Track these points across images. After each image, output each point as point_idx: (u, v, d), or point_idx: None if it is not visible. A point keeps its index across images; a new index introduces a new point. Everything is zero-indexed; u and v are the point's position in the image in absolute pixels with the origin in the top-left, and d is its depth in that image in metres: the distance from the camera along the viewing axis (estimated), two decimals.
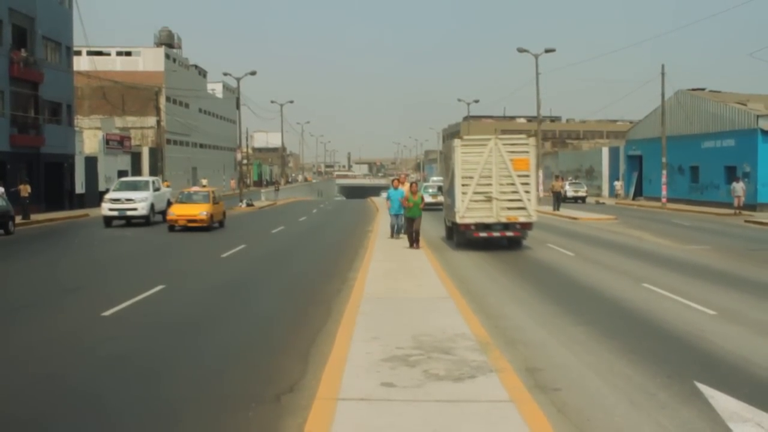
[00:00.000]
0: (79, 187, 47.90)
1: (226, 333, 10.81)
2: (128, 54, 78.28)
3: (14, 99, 40.21)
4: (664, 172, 47.37)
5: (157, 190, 35.27)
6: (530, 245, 23.35)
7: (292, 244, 25.52)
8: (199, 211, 29.86)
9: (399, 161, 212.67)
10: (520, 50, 47.23)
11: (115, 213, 32.77)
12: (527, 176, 21.34)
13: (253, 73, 58.24)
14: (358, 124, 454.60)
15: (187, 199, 31.59)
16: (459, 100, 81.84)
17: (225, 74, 63.99)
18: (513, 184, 21.16)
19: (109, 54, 76.62)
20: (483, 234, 21.39)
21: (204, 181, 79.70)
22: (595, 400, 7.51)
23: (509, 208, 21.21)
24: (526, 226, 21.54)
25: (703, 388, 7.67)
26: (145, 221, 33.21)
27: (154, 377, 8.46)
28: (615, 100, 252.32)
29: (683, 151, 49.32)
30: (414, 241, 20.92)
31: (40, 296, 14.41)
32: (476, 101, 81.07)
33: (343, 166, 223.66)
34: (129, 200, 32.89)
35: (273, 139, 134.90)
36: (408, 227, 21.49)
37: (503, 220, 21.21)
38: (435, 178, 50.35)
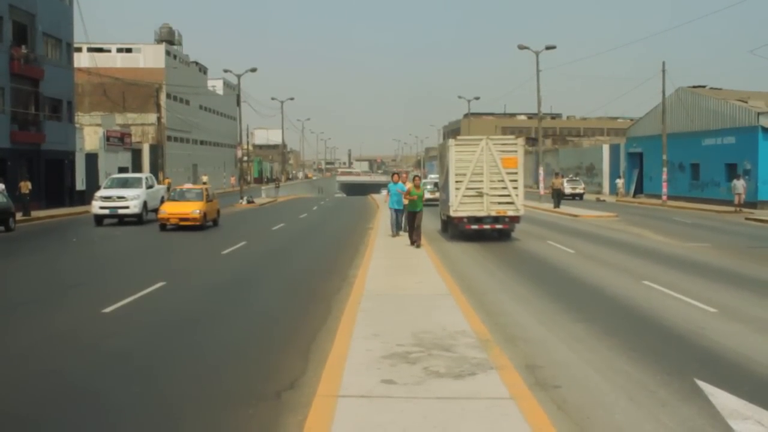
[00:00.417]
0: (80, 184, 47.92)
1: (226, 330, 10.81)
2: (129, 51, 78.29)
3: (14, 96, 40.20)
4: (665, 169, 47.36)
5: (150, 187, 34.20)
6: (530, 242, 23.42)
7: (292, 241, 25.52)
8: (192, 209, 28.61)
9: (399, 158, 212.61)
10: (521, 47, 47.13)
11: (106, 211, 31.66)
12: (515, 173, 23.09)
13: (253, 70, 58.09)
14: (359, 122, 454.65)
15: (180, 196, 30.20)
16: (459, 97, 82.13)
17: (225, 71, 64.24)
18: (502, 181, 22.93)
19: (109, 51, 76.63)
20: (474, 226, 23.13)
21: (204, 178, 79.77)
22: (595, 397, 7.52)
23: (499, 203, 23.04)
24: (514, 219, 23.40)
25: (703, 385, 7.67)
26: (137, 220, 32.08)
27: (154, 374, 8.47)
28: (616, 98, 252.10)
29: (684, 148, 49.29)
30: (415, 239, 20.72)
31: (40, 293, 14.41)
32: (477, 98, 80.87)
33: (344, 163, 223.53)
34: (121, 198, 31.76)
35: (273, 136, 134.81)
36: (410, 221, 21.36)
37: (493, 213, 23.01)
38: (432, 176, 50.58)
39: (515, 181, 23.06)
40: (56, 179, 44.30)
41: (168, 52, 78.21)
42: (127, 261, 20.19)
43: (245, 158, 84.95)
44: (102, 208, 31.69)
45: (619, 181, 59.30)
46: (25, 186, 35.62)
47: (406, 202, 21.95)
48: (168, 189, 37.50)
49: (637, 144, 57.95)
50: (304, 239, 26.26)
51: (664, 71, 47.00)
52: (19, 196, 34.48)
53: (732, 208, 38.94)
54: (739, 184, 39.54)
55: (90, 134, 53.10)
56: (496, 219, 23.10)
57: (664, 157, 47.42)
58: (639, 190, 57.18)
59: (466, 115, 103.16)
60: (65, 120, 46.20)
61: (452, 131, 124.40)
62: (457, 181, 22.97)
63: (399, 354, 8.33)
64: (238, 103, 62.83)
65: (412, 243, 20.74)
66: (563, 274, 16.54)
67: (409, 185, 22.86)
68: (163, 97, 69.22)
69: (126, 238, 26.58)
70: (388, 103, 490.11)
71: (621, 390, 7.72)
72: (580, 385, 7.92)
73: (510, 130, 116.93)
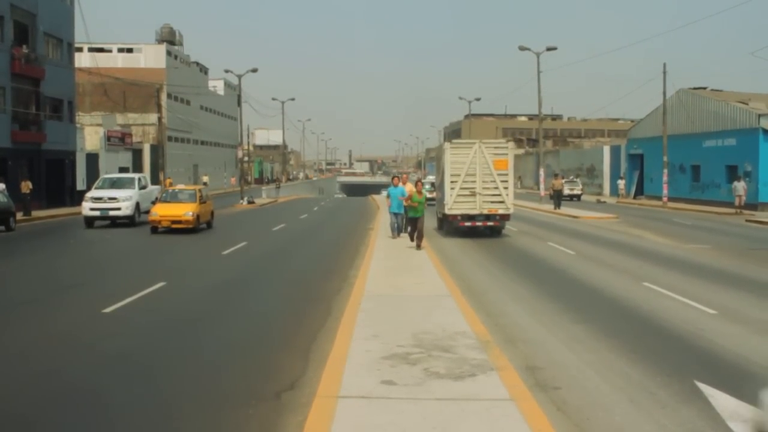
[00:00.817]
0: (80, 184, 47.90)
1: (226, 330, 10.81)
2: (130, 51, 78.29)
3: (15, 95, 40.20)
4: (666, 170, 47.34)
5: (143, 188, 32.86)
6: (531, 243, 23.46)
7: (293, 241, 25.52)
8: (185, 211, 27.21)
9: (400, 159, 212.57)
10: (522, 48, 47.15)
11: (97, 213, 30.29)
12: (506, 175, 24.86)
13: (254, 71, 58.09)
14: (360, 122, 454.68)
15: (172, 197, 28.73)
16: (460, 98, 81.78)
17: (226, 71, 64.16)
18: (494, 182, 24.65)
19: (110, 51, 76.61)
20: (467, 223, 24.98)
21: (205, 178, 79.86)
22: (595, 398, 7.52)
23: (490, 202, 24.76)
24: (504, 217, 25.13)
25: (703, 387, 7.67)
26: (129, 222, 30.74)
27: (154, 374, 8.47)
28: (616, 99, 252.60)
29: (684, 150, 49.28)
30: (417, 242, 20.39)
31: (40, 293, 14.41)
32: (478, 99, 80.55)
33: (344, 164, 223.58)
34: (112, 199, 30.45)
35: (274, 137, 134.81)
36: (411, 227, 21.20)
37: (485, 211, 24.76)
38: (430, 177, 51.18)
39: (506, 181, 24.79)
40: (57, 179, 44.30)
41: (169, 53, 78.21)
42: (127, 261, 20.19)
43: (246, 158, 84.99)
44: (92, 209, 30.44)
45: (621, 183, 59.32)
46: (26, 186, 35.63)
47: (406, 204, 21.81)
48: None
49: (638, 145, 57.94)
50: (304, 240, 26.26)
51: (665, 73, 47.04)
52: (20, 196, 34.49)
53: (732, 210, 38.93)
54: (740, 186, 39.53)
55: (91, 134, 53.12)
56: (487, 217, 24.84)
57: (665, 158, 47.41)
58: (639, 192, 57.17)
59: (466, 116, 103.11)
60: (66, 120, 46.20)
61: (453, 132, 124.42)
62: (452, 182, 24.67)
63: (399, 355, 8.33)
64: (239, 104, 62.84)
65: (416, 245, 20.40)
66: (563, 275, 16.54)
67: (409, 187, 22.80)
68: (163, 97, 69.19)
69: (126, 238, 26.55)
70: (388, 103, 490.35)
71: (621, 391, 7.72)
72: (580, 386, 7.93)
73: (511, 131, 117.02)
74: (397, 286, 13.53)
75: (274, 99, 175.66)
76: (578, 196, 55.96)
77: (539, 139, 54.54)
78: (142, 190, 32.48)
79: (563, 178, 51.73)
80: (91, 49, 62.88)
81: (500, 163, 24.72)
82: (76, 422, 6.90)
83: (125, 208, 30.54)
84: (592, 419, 6.88)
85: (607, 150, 67.59)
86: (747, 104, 45.38)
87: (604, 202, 53.70)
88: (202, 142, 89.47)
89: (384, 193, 41.71)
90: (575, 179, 61.53)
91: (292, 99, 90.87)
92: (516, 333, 10.47)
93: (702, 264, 18.42)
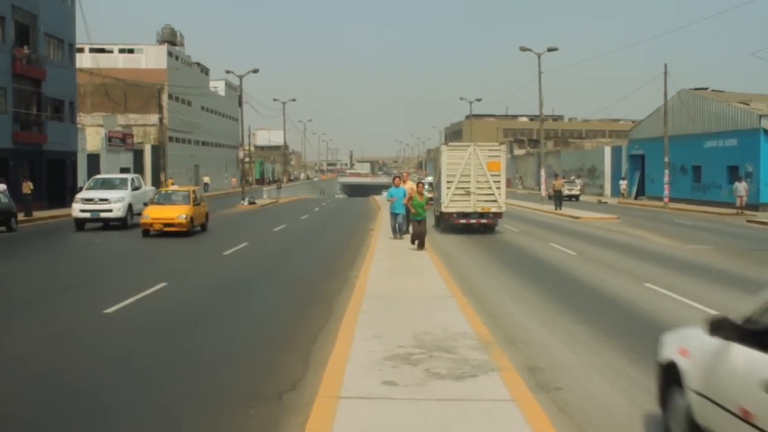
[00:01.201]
0: (82, 185, 47.91)
1: (227, 331, 10.82)
2: (131, 51, 78.30)
3: (17, 96, 40.23)
4: (667, 171, 47.30)
5: (136, 188, 31.56)
6: (532, 244, 23.46)
7: (294, 242, 25.52)
8: (178, 213, 25.98)
9: (401, 160, 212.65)
10: (523, 49, 47.12)
11: (88, 215, 29.17)
12: (498, 175, 26.64)
13: (255, 71, 58.10)
14: (361, 123, 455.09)
15: (165, 199, 27.51)
16: (461, 98, 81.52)
17: (227, 72, 64.11)
18: (487, 182, 26.34)
19: (111, 51, 76.64)
20: (462, 221, 26.58)
21: (206, 179, 79.88)
22: (597, 399, 7.52)
23: (484, 201, 26.44)
24: (497, 215, 26.87)
25: None
26: (121, 224, 29.57)
27: (155, 375, 8.47)
28: (617, 100, 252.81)
29: (686, 150, 49.26)
30: (419, 244, 20.09)
31: (41, 293, 14.42)
32: (479, 100, 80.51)
33: (345, 164, 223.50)
34: (103, 200, 29.31)
35: (275, 137, 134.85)
36: (413, 230, 20.84)
37: (479, 209, 26.44)
38: (428, 178, 51.66)
39: (498, 182, 26.51)
40: (58, 180, 44.33)
41: (170, 53, 78.22)
42: (128, 262, 20.19)
43: (247, 159, 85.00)
44: (83, 211, 29.28)
45: (623, 183, 59.34)
46: (27, 186, 35.66)
47: (405, 202, 21.70)
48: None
49: (639, 146, 57.92)
50: (305, 240, 26.25)
51: (666, 73, 46.99)
52: (21, 197, 34.51)
53: (734, 211, 38.91)
54: (741, 187, 39.52)
55: (92, 135, 53.14)
56: (481, 215, 26.54)
57: (666, 159, 47.37)
58: (640, 192, 57.15)
59: (467, 117, 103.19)
60: (67, 120, 46.23)
61: (454, 133, 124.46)
62: (448, 182, 26.41)
63: (400, 355, 8.33)
64: (240, 104, 62.86)
65: (418, 246, 20.30)
66: (564, 276, 16.54)
67: (410, 185, 22.74)
68: (164, 97, 69.18)
69: (125, 239, 26.53)
70: (389, 104, 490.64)
71: (622, 392, 7.71)
72: (581, 386, 7.92)
73: (512, 131, 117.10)
74: (398, 287, 13.53)
75: (275, 100, 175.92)
76: (576, 197, 56.09)
77: (540, 140, 54.52)
78: (135, 191, 31.29)
79: (564, 178, 51.73)
80: (92, 50, 63.03)
81: (493, 165, 26.47)
82: (76, 423, 6.90)
83: (116, 210, 29.41)
84: (594, 420, 6.87)
85: (608, 150, 67.57)
86: (748, 105, 45.37)
87: (606, 202, 53.69)
88: (203, 143, 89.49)
89: (385, 194, 41.74)
90: (574, 179, 61.65)
91: (293, 100, 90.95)
92: (517, 333, 10.46)
93: (703, 264, 18.41)
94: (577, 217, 36.46)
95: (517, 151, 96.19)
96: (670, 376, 5.97)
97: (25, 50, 40.40)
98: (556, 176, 46.58)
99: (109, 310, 12.06)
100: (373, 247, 21.06)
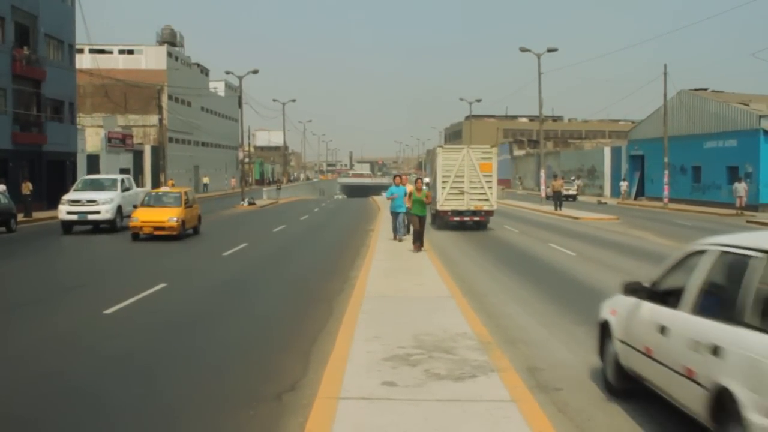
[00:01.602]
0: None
1: (227, 331, 10.82)
2: (131, 52, 78.35)
3: (16, 97, 40.23)
4: (666, 172, 47.32)
5: (126, 190, 30.17)
6: (532, 244, 23.46)
7: (293, 242, 25.52)
8: (168, 216, 24.86)
9: (401, 160, 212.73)
10: (523, 50, 47.12)
11: (75, 217, 27.96)
12: (490, 176, 28.33)
13: (255, 72, 58.09)
14: (360, 123, 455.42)
15: (155, 201, 26.33)
16: (461, 99, 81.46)
17: (227, 72, 64.18)
18: (480, 182, 28.00)
19: (111, 52, 76.69)
20: (456, 218, 28.27)
21: (206, 179, 79.89)
22: (597, 400, 7.51)
23: (477, 200, 28.09)
24: (489, 213, 28.59)
25: None
26: (110, 226, 28.38)
27: (155, 375, 8.47)
28: (617, 100, 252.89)
29: (685, 151, 49.26)
30: (419, 245, 20.11)
31: (41, 294, 14.42)
32: (478, 100, 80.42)
33: (345, 165, 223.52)
34: (91, 202, 28.10)
35: (275, 138, 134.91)
36: (415, 226, 20.81)
37: (472, 208, 28.12)
38: (426, 179, 52.24)
39: (490, 182, 28.22)
40: (58, 180, 44.24)
41: (170, 54, 78.25)
42: (128, 262, 20.19)
43: (247, 160, 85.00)
44: (70, 213, 28.08)
45: (623, 184, 59.37)
46: (27, 187, 35.65)
47: (409, 205, 21.64)
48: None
49: (639, 146, 57.92)
50: (305, 241, 26.25)
51: (665, 74, 47.02)
52: (21, 197, 34.50)
53: (733, 211, 38.92)
54: (741, 187, 39.53)
55: (91, 135, 53.13)
56: (474, 213, 28.22)
57: (666, 159, 47.39)
58: (640, 193, 57.15)
59: (467, 117, 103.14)
60: (67, 121, 46.22)
61: (454, 133, 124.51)
62: (443, 182, 28.06)
63: (400, 356, 8.33)
64: (240, 105, 62.89)
65: (418, 246, 20.33)
66: (564, 276, 16.54)
67: (410, 189, 22.68)
68: (164, 98, 69.21)
69: (124, 239, 26.49)
70: (389, 104, 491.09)
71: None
72: (582, 387, 7.92)
73: (512, 132, 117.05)
74: (398, 288, 13.54)
75: (274, 100, 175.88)
76: (573, 197, 56.13)
77: (540, 141, 54.51)
78: (125, 192, 29.88)
79: (563, 179, 51.74)
80: (92, 51, 63.09)
81: (485, 166, 28.17)
82: (76, 423, 6.90)
83: (105, 212, 28.10)
84: (594, 420, 6.87)
85: (607, 151, 67.58)
86: (748, 105, 45.38)
87: (605, 203, 53.69)
88: (203, 144, 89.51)
89: (384, 194, 41.76)
90: (572, 180, 61.71)
91: (293, 100, 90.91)
92: (517, 334, 10.46)
93: None
94: (576, 218, 36.47)
95: (517, 152, 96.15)
96: (604, 332, 7.85)
97: (25, 51, 40.40)
98: (555, 177, 46.58)
99: (109, 311, 12.06)
100: (373, 248, 21.06)
